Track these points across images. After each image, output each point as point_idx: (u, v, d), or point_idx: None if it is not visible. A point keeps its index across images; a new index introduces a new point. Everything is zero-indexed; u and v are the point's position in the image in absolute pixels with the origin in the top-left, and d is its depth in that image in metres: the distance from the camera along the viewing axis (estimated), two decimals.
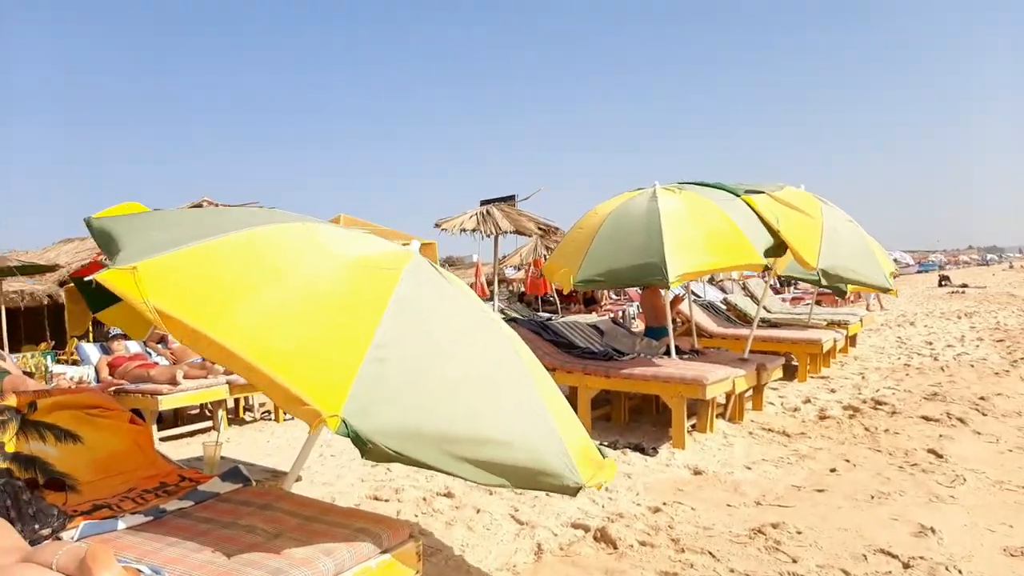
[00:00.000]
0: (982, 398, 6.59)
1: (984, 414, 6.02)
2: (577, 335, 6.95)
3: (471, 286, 19.91)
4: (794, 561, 3.25)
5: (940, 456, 4.84)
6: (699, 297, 11.49)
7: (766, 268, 6.13)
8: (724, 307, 10.07)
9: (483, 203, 14.18)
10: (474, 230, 11.69)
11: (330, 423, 2.03)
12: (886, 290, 7.03)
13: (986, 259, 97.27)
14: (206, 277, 2.31)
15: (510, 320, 7.36)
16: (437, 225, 11.88)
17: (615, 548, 3.41)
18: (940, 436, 5.33)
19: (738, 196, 6.20)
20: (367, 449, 2.07)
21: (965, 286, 29.36)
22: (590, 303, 18.42)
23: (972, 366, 8.56)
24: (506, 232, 12.05)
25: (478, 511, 3.90)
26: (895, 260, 18.70)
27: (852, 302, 19.23)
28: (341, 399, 2.08)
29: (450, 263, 31.83)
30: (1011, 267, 65.65)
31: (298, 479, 3.77)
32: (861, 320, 10.12)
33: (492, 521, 3.76)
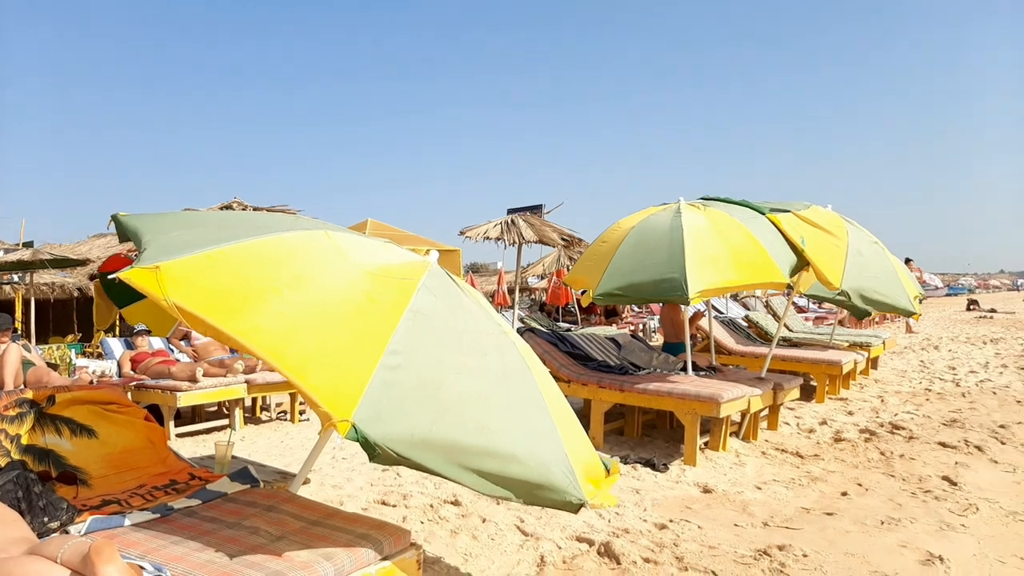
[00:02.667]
0: (1002, 426, 6.48)
1: (1003, 443, 5.91)
2: (594, 348, 6.94)
3: (493, 293, 19.98)
4: None
5: (955, 484, 4.76)
6: (721, 314, 11.42)
7: (789, 287, 6.09)
8: (745, 324, 10.00)
9: (510, 212, 14.21)
10: (498, 239, 11.73)
11: (340, 428, 2.07)
12: (910, 313, 6.96)
13: (1017, 284, 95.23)
14: (227, 279, 2.36)
15: (529, 330, 7.37)
16: (462, 233, 11.94)
17: (618, 564, 3.40)
18: (956, 463, 5.25)
19: (763, 214, 6.17)
20: (375, 454, 2.11)
21: (993, 311, 28.81)
22: (611, 315, 18.41)
23: (994, 393, 8.40)
24: (530, 242, 12.08)
25: (484, 520, 3.91)
26: (924, 282, 18.49)
27: (877, 323, 19.02)
28: (352, 404, 2.12)
29: (474, 269, 31.97)
30: None
31: (307, 481, 3.83)
32: (884, 342, 9.99)
33: (497, 531, 3.78)
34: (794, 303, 13.36)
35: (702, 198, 6.47)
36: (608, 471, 2.87)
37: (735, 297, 15.67)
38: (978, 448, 5.69)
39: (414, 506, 4.17)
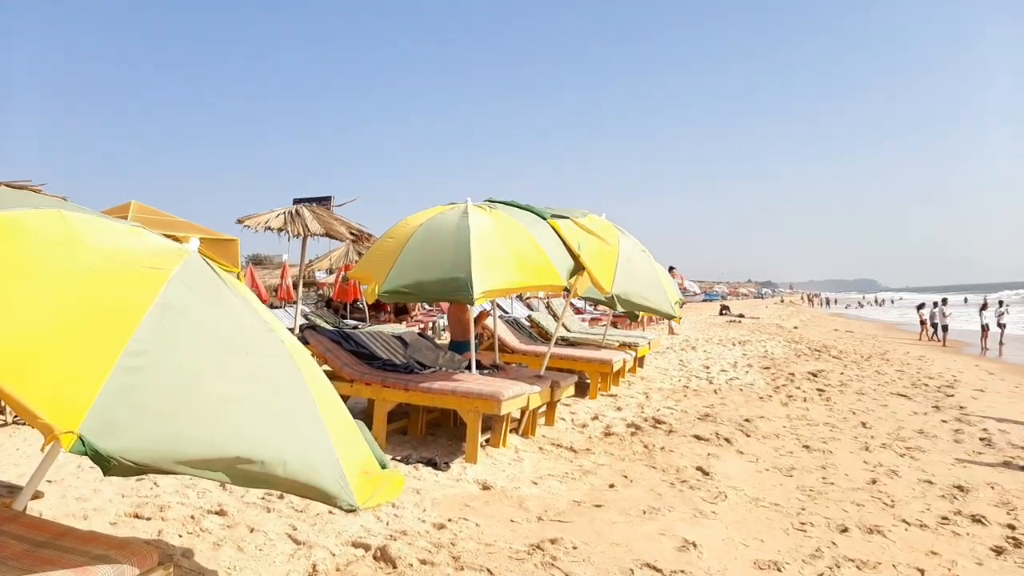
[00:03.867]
0: (747, 420, 7.25)
1: (748, 435, 6.61)
2: (380, 346, 6.81)
3: (276, 287, 19.06)
4: None
5: (707, 474, 5.23)
6: (506, 313, 11.76)
7: (566, 289, 6.37)
8: (528, 324, 10.35)
9: (296, 202, 13.55)
10: (280, 230, 11.13)
11: (63, 441, 1.78)
12: (671, 316, 7.57)
13: (761, 293, 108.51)
14: None
15: (311, 327, 7.07)
16: (240, 221, 11.21)
17: (394, 567, 3.33)
18: (709, 455, 5.77)
19: (545, 219, 6.41)
20: (110, 467, 1.86)
21: (742, 316, 32.43)
22: (401, 313, 18.26)
23: (741, 390, 9.41)
24: (315, 234, 11.62)
25: (252, 530, 3.66)
26: (684, 288, 20.29)
27: (645, 325, 20.61)
28: (80, 414, 1.83)
29: (256, 261, 30.30)
30: (782, 301, 73.84)
31: (40, 496, 3.35)
32: (649, 343, 10.81)
33: (266, 541, 3.54)
34: (572, 305, 14.09)
35: (489, 200, 6.59)
36: (385, 467, 2.79)
37: (520, 298, 16.22)
38: (727, 440, 6.31)
39: (172, 518, 3.79)
